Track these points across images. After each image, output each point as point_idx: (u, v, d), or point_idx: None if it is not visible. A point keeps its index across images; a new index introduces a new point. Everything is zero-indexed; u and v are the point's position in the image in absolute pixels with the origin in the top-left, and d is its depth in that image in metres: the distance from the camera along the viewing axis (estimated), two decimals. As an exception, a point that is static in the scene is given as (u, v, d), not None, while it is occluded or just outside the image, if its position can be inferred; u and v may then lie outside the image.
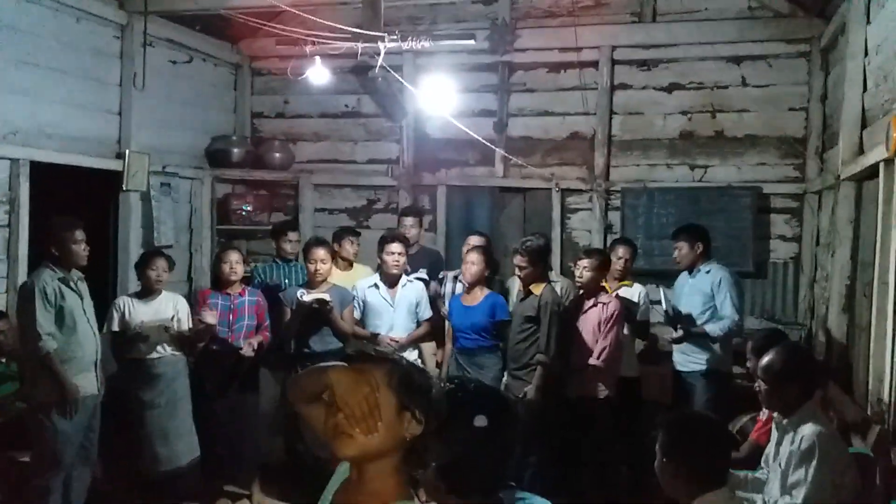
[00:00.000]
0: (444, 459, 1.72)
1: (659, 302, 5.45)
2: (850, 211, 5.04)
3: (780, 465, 3.14)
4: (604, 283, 5.27)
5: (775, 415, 3.28)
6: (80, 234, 4.54)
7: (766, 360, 3.20)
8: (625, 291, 5.49)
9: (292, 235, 6.13)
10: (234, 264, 5.35)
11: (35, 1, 5.44)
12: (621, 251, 5.65)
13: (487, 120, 7.18)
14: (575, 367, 4.99)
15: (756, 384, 3.28)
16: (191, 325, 5.16)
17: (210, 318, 5.09)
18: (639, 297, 5.53)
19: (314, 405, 1.63)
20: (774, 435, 3.31)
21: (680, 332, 5.11)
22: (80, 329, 4.50)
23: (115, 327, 5.01)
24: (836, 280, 5.19)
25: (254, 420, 5.40)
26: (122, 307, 5.06)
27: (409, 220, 6.07)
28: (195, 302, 5.45)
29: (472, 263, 5.21)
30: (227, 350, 5.28)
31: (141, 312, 5.02)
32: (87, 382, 4.53)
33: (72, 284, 4.51)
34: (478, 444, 1.79)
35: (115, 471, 5.18)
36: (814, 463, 2.96)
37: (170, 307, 5.11)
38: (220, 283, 5.44)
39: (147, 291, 5.11)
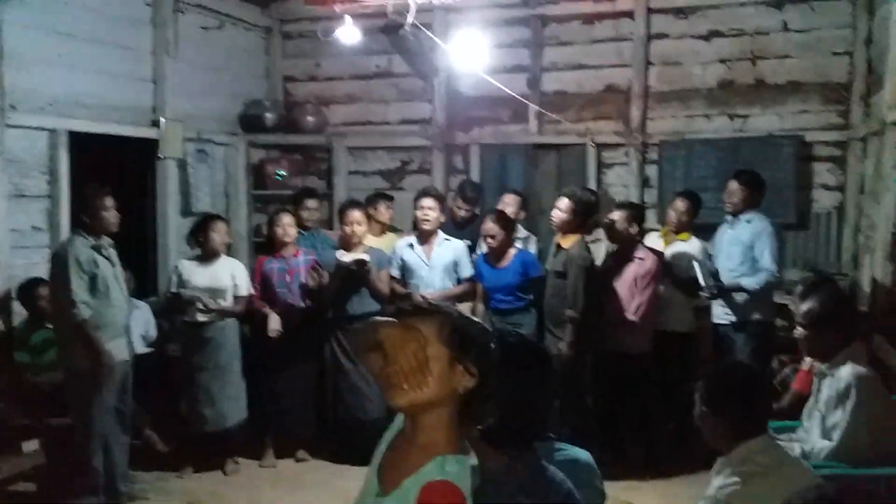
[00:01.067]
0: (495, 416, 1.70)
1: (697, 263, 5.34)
2: (895, 156, 4.89)
3: (819, 410, 3.11)
4: (661, 236, 5.19)
5: (816, 364, 3.23)
6: (109, 201, 4.57)
7: (804, 305, 3.15)
8: (680, 245, 5.39)
9: (311, 203, 6.04)
10: (287, 227, 5.41)
11: (66, -30, 5.46)
12: (679, 203, 5.53)
13: (520, 76, 7.07)
14: (611, 323, 4.96)
15: (795, 330, 3.23)
16: (248, 291, 5.25)
17: (273, 323, 5.23)
18: (695, 251, 5.39)
19: (373, 355, 1.64)
20: (816, 382, 3.26)
21: (713, 289, 5.04)
22: (113, 296, 4.55)
23: (174, 289, 5.12)
24: (882, 228, 5.05)
25: (296, 385, 5.46)
26: (180, 270, 5.18)
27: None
28: (251, 269, 5.52)
29: (492, 235, 5.15)
30: (291, 310, 5.35)
31: (198, 276, 5.13)
32: (119, 348, 4.60)
33: (103, 251, 4.56)
34: (516, 395, 1.78)
35: (165, 428, 5.35)
36: (851, 403, 2.93)
37: (226, 273, 5.20)
38: (274, 246, 5.49)
39: (206, 255, 5.19)
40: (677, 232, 5.54)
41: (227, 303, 5.17)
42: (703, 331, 5.45)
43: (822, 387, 3.13)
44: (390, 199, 6.17)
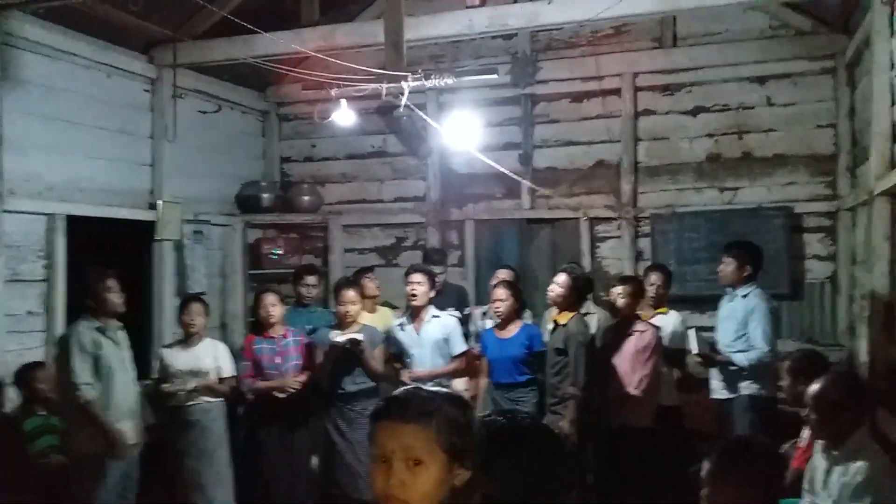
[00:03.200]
0: (493, 495, 1.68)
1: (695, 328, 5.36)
2: (885, 227, 4.93)
3: (829, 496, 3.05)
4: (639, 312, 5.22)
5: (820, 441, 3.19)
6: (112, 283, 4.61)
7: (816, 388, 3.10)
8: (660, 319, 5.42)
9: (310, 279, 6.07)
10: (270, 307, 5.37)
11: (67, 59, 5.61)
12: (654, 278, 5.58)
13: (512, 153, 7.20)
14: (614, 398, 4.92)
15: (805, 412, 3.18)
16: (232, 373, 5.21)
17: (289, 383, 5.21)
18: (674, 324, 5.45)
19: (376, 466, 1.63)
20: (821, 462, 3.21)
21: (700, 359, 5.03)
22: (118, 378, 4.54)
23: (155, 374, 5.09)
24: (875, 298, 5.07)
25: (290, 467, 5.37)
26: (161, 355, 5.17)
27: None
28: (239, 348, 5.50)
29: (501, 300, 5.19)
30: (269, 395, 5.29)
31: (179, 360, 5.09)
32: (126, 431, 4.55)
33: (109, 333, 4.58)
34: (529, 480, 1.76)
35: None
36: (869, 499, 2.87)
37: (208, 355, 5.16)
38: (261, 326, 5.48)
39: (187, 338, 5.17)
40: (655, 306, 5.55)
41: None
42: (699, 404, 5.41)
43: (832, 468, 3.07)
44: (371, 269, 6.29)
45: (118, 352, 4.61)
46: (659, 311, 5.52)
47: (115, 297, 4.62)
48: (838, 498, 2.95)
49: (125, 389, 4.60)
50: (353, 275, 6.14)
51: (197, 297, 5.45)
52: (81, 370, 4.38)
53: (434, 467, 1.59)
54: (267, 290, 5.63)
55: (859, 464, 2.93)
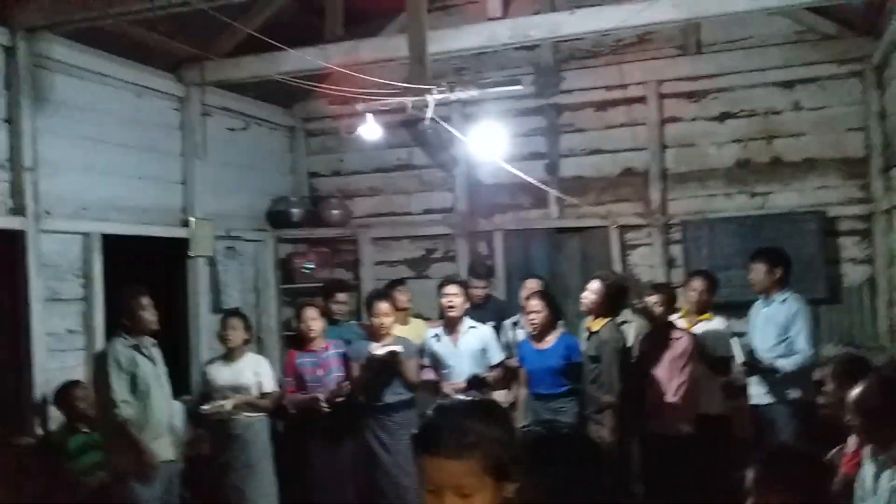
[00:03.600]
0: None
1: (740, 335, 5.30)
2: (922, 228, 4.89)
3: (879, 500, 3.00)
4: (682, 317, 5.17)
5: (869, 447, 3.15)
6: (146, 301, 4.67)
7: (858, 393, 3.06)
8: (704, 325, 5.36)
9: (340, 297, 6.13)
10: (310, 321, 5.43)
11: (97, 80, 5.69)
12: (697, 283, 5.50)
13: (539, 162, 7.21)
14: (652, 406, 4.89)
15: (847, 417, 3.15)
16: (274, 388, 5.25)
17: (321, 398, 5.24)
18: (719, 330, 5.37)
19: (428, 495, 1.65)
20: (869, 467, 3.16)
21: (751, 366, 4.99)
22: (154, 395, 4.59)
23: (198, 390, 5.15)
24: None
25: (335, 479, 5.39)
26: (205, 370, 5.23)
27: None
28: (282, 364, 5.55)
29: (536, 311, 5.17)
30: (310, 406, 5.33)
31: (221, 375, 5.15)
32: (164, 448, 4.61)
33: (144, 351, 4.63)
34: (570, 489, 1.76)
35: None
36: None
37: (249, 370, 5.21)
38: (302, 340, 5.52)
39: (229, 353, 5.22)
40: (699, 312, 5.50)
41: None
42: (740, 411, 5.36)
43: (880, 473, 3.03)
44: (402, 283, 6.27)
45: (154, 369, 4.67)
46: (703, 317, 5.45)
47: (150, 315, 4.68)
48: (891, 497, 2.90)
49: (162, 406, 4.66)
50: (385, 287, 6.16)
51: (235, 312, 5.52)
52: (119, 388, 4.43)
53: (485, 493, 1.60)
54: (307, 304, 5.69)
55: None
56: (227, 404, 5.06)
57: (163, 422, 4.65)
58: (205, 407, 5.13)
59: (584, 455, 1.88)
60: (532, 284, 5.93)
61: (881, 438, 3.02)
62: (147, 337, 4.70)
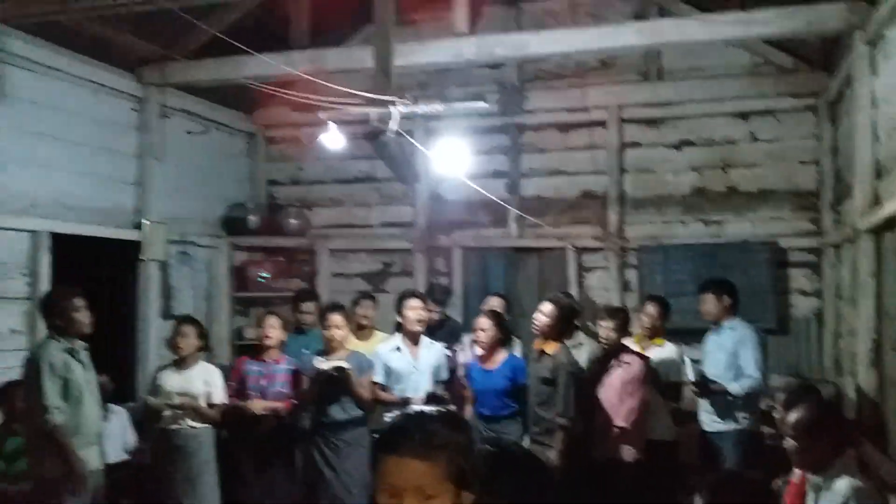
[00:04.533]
0: None
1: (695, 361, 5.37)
2: (871, 263, 4.98)
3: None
4: (634, 342, 5.20)
5: (809, 475, 3.19)
6: (79, 302, 4.47)
7: (793, 415, 3.12)
8: (656, 351, 5.40)
9: (306, 307, 6.04)
10: (269, 329, 5.33)
11: (53, 75, 5.57)
12: (651, 309, 5.56)
13: (499, 181, 7.25)
14: (601, 430, 4.89)
15: (785, 441, 3.20)
16: (223, 399, 5.13)
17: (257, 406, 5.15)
18: (671, 357, 5.42)
19: (383, 496, 1.62)
20: (811, 495, 3.21)
21: (695, 387, 5.05)
22: (86, 401, 4.41)
23: (146, 395, 5.01)
24: (863, 335, 5.10)
25: (275, 495, 5.28)
26: (156, 376, 5.10)
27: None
28: (229, 368, 5.44)
29: (483, 329, 5.17)
30: (241, 407, 5.23)
31: (170, 382, 5.01)
32: (92, 456, 4.44)
33: (76, 355, 4.44)
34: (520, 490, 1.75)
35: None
36: None
37: (200, 379, 5.06)
38: (257, 349, 5.42)
39: (181, 360, 5.10)
40: (651, 337, 5.55)
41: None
42: (689, 437, 5.40)
43: (818, 500, 3.08)
44: (372, 297, 6.17)
45: (85, 374, 4.47)
46: (655, 342, 5.50)
47: (84, 317, 4.47)
48: None
49: (92, 413, 4.47)
50: (353, 299, 6.06)
51: (189, 319, 5.35)
52: (52, 393, 4.23)
53: (445, 497, 1.60)
54: (270, 312, 5.60)
55: (842, 483, 2.93)
56: (176, 401, 4.92)
57: (93, 429, 4.47)
58: (151, 399, 4.98)
59: (534, 474, 1.87)
60: (494, 302, 5.91)
61: (816, 462, 3.06)
62: (79, 340, 4.49)
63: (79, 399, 4.38)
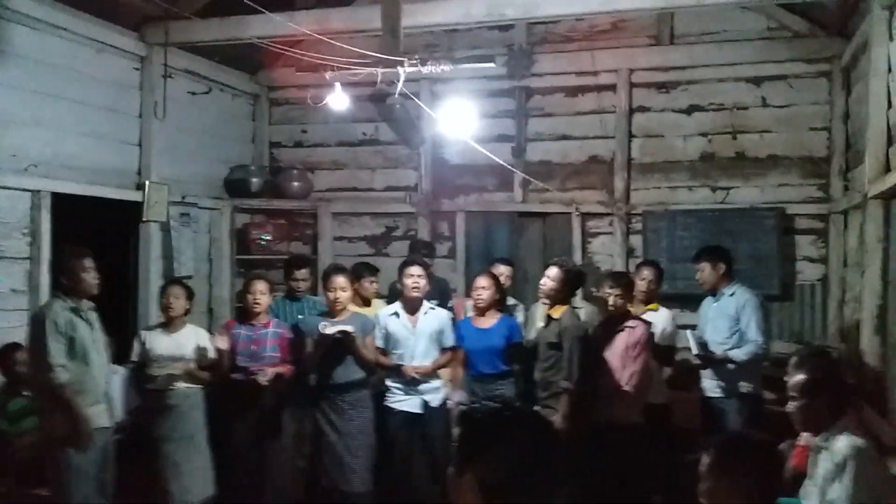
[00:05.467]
0: (490, 483, 1.64)
1: (685, 330, 5.35)
2: (879, 229, 4.95)
3: (816, 484, 3.04)
4: (629, 307, 5.18)
5: (811, 440, 3.18)
6: (88, 262, 4.45)
7: (793, 378, 3.11)
8: (650, 315, 5.38)
9: (299, 273, 5.95)
10: (259, 294, 5.24)
11: (55, 34, 5.49)
12: (646, 273, 5.56)
13: (505, 145, 7.16)
14: (604, 394, 4.89)
15: (789, 404, 3.18)
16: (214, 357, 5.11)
17: (221, 343, 5.07)
18: (664, 321, 5.43)
19: None
20: (812, 457, 3.20)
21: (698, 359, 5.04)
22: (92, 360, 4.41)
23: (135, 357, 4.98)
24: (868, 301, 5.08)
25: (276, 457, 5.29)
26: (143, 338, 5.04)
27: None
28: (219, 333, 5.40)
29: (483, 287, 5.16)
30: (247, 380, 5.18)
31: (160, 344, 4.98)
32: (99, 415, 4.45)
33: (83, 314, 4.43)
34: (525, 466, 1.70)
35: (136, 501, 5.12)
36: (849, 476, 2.85)
37: (191, 340, 5.04)
38: (245, 313, 5.37)
39: (168, 322, 5.07)
40: (646, 302, 5.53)
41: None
42: (690, 402, 5.41)
43: (818, 461, 3.07)
44: (375, 271, 6.10)
45: (91, 333, 4.47)
46: (649, 307, 5.50)
47: (91, 278, 4.46)
48: (823, 482, 2.93)
49: (98, 372, 4.47)
50: (354, 269, 6.00)
51: (178, 281, 5.32)
52: (56, 351, 4.23)
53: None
54: (257, 276, 5.53)
55: (839, 443, 2.91)
56: (171, 369, 4.91)
57: (99, 388, 4.47)
58: (150, 371, 4.96)
59: (540, 434, 1.82)
60: (501, 269, 5.86)
61: (815, 421, 3.05)
62: (86, 300, 4.49)
63: (84, 358, 4.38)
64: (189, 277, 6.32)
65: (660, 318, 5.42)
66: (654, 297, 5.57)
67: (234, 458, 5.15)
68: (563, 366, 4.83)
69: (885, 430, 4.24)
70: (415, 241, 6.92)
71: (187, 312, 5.15)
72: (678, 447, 5.06)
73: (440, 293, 6.06)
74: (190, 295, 5.17)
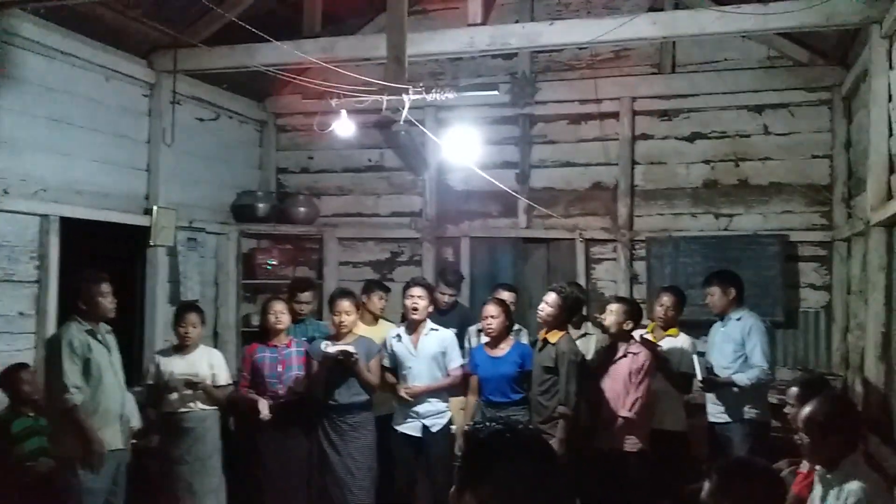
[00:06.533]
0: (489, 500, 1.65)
1: (701, 354, 5.35)
2: (881, 257, 4.96)
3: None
4: (649, 332, 5.20)
5: (818, 467, 3.18)
6: (106, 287, 4.56)
7: (806, 411, 3.10)
8: (669, 341, 5.39)
9: (303, 296, 5.99)
10: (279, 314, 5.33)
11: (66, 60, 5.57)
12: (665, 298, 5.53)
13: (510, 172, 7.22)
14: (606, 420, 4.89)
15: (797, 436, 3.18)
16: (228, 381, 5.15)
17: (263, 408, 5.11)
18: (684, 347, 5.40)
19: None
20: (818, 488, 3.20)
21: (700, 383, 5.05)
22: (107, 382, 4.49)
23: (150, 380, 5.03)
24: (871, 328, 5.08)
25: (293, 475, 5.31)
26: (157, 360, 5.11)
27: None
28: (239, 357, 5.44)
29: (492, 316, 5.16)
30: (280, 400, 5.24)
31: (174, 366, 5.04)
32: (113, 436, 4.50)
33: (99, 337, 4.53)
34: (527, 487, 1.71)
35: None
36: None
37: (204, 362, 5.10)
38: (266, 334, 5.42)
39: (182, 345, 5.12)
40: (665, 328, 5.53)
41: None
42: (698, 429, 5.40)
43: (826, 494, 3.06)
44: (386, 289, 6.15)
45: (108, 356, 4.56)
46: (668, 332, 5.49)
47: (108, 301, 4.58)
48: None
49: (113, 394, 4.54)
50: (366, 285, 6.05)
51: (193, 306, 5.39)
52: (72, 373, 4.32)
53: None
54: (275, 297, 5.60)
55: (853, 485, 2.91)
56: (186, 391, 4.94)
57: (113, 410, 4.54)
58: (168, 394, 4.98)
59: (543, 456, 1.82)
60: (505, 295, 5.88)
61: (828, 458, 3.05)
62: (102, 323, 4.59)
63: (99, 379, 4.45)
64: (195, 301, 6.35)
65: (678, 344, 5.41)
66: (674, 322, 5.54)
67: (244, 476, 5.18)
68: (558, 390, 4.84)
69: (891, 460, 4.23)
70: (444, 266, 6.92)
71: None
72: (693, 476, 5.04)
73: (463, 320, 6.07)
74: (203, 320, 5.28)
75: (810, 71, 6.52)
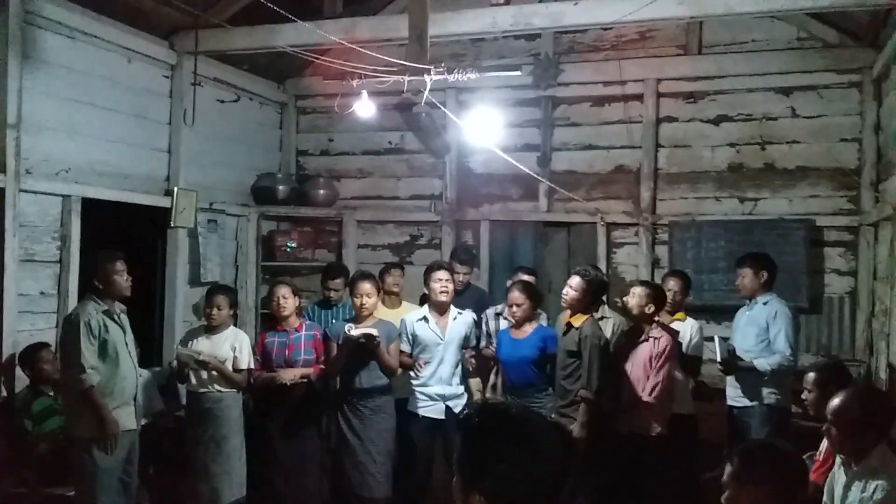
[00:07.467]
0: (500, 484, 1.61)
1: (711, 339, 5.29)
2: (910, 242, 4.87)
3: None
4: (656, 317, 5.14)
5: (841, 456, 3.12)
6: (121, 266, 4.57)
7: (837, 403, 3.02)
8: (676, 325, 5.34)
9: (333, 283, 5.99)
10: (282, 299, 5.32)
11: (88, 42, 5.58)
12: (672, 283, 5.52)
13: (531, 154, 7.14)
14: (626, 404, 4.85)
15: (824, 426, 3.11)
16: (250, 364, 5.17)
17: (286, 375, 5.16)
18: (691, 331, 5.37)
19: None
20: (841, 476, 3.14)
21: (721, 366, 4.99)
22: (122, 362, 4.51)
23: (174, 359, 5.08)
24: (898, 314, 5.00)
25: (303, 458, 5.32)
26: (185, 339, 5.15)
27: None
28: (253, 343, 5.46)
29: (518, 304, 5.10)
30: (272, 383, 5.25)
31: (199, 345, 5.07)
32: (127, 416, 4.53)
33: (115, 317, 4.54)
34: (538, 472, 1.67)
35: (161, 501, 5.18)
36: None
37: (227, 344, 5.11)
38: (274, 319, 5.43)
39: (210, 326, 5.15)
40: (672, 312, 5.48)
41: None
42: (714, 414, 5.35)
43: (851, 483, 3.01)
44: (400, 267, 6.16)
45: (123, 336, 4.57)
46: (676, 317, 5.45)
47: (124, 280, 4.58)
48: None
49: (128, 374, 4.56)
50: (381, 269, 6.05)
51: (222, 288, 5.42)
52: (89, 353, 4.34)
53: None
54: (279, 282, 5.59)
55: (879, 481, 2.86)
56: (203, 356, 4.96)
57: (128, 390, 4.56)
58: (181, 350, 5.04)
59: (556, 441, 1.77)
60: (526, 278, 5.83)
61: (856, 450, 2.99)
62: (118, 303, 4.60)
63: (115, 360, 4.47)
64: (216, 283, 6.37)
65: (686, 329, 5.38)
66: (681, 307, 5.54)
67: (264, 459, 5.20)
68: (580, 374, 4.81)
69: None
70: (456, 245, 6.90)
71: (235, 316, 5.26)
72: (703, 458, 5.00)
73: (477, 303, 6.04)
74: (232, 301, 5.30)
75: (840, 52, 6.39)
